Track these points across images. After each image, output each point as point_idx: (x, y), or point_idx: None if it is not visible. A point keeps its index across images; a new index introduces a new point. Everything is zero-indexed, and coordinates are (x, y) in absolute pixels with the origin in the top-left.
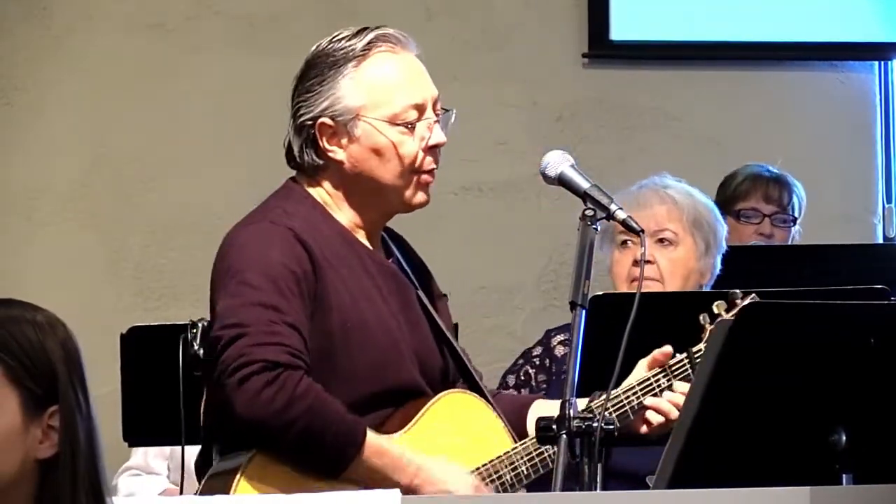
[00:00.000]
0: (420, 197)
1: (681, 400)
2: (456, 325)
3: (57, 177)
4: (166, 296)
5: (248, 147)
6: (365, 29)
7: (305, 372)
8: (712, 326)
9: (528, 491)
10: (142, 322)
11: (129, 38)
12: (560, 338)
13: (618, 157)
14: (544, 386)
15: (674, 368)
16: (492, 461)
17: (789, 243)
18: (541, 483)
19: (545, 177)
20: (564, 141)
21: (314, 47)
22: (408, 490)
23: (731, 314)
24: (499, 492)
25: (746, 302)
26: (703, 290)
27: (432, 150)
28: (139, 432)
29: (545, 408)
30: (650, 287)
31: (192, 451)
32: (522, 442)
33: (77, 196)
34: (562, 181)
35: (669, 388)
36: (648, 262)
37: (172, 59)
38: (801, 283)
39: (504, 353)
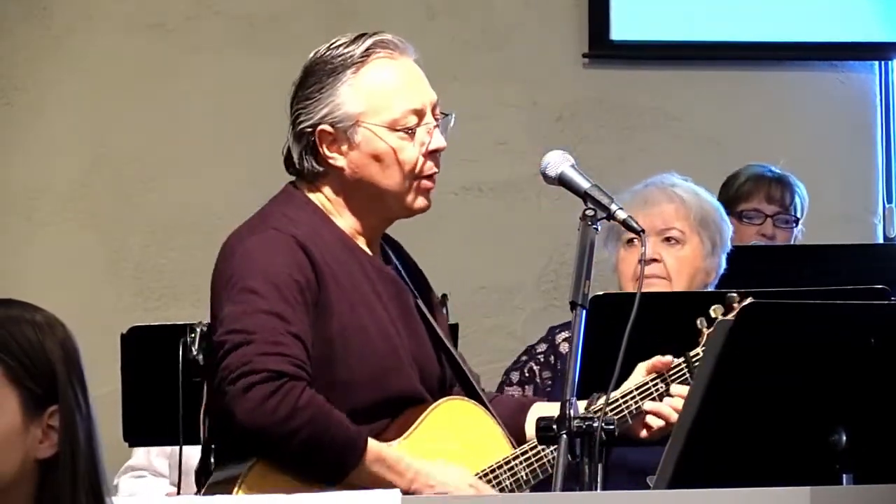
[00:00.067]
0: (421, 202)
1: (680, 404)
2: (456, 325)
3: (57, 177)
4: (166, 296)
5: (248, 147)
6: (363, 35)
7: (308, 383)
8: (711, 328)
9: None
10: (142, 322)
11: (129, 38)
12: (564, 335)
13: (618, 157)
14: (549, 383)
15: (671, 372)
16: (491, 467)
17: (792, 244)
18: (541, 483)
19: (545, 177)
20: (564, 141)
21: (312, 54)
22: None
23: (728, 316)
24: None
25: (742, 305)
26: (708, 289)
27: (432, 154)
28: (139, 432)
29: (543, 411)
30: (657, 285)
31: (191, 451)
32: (521, 448)
33: (77, 196)
34: (562, 181)
35: (667, 391)
36: (655, 260)
37: (172, 59)
38: (801, 283)
39: (504, 353)
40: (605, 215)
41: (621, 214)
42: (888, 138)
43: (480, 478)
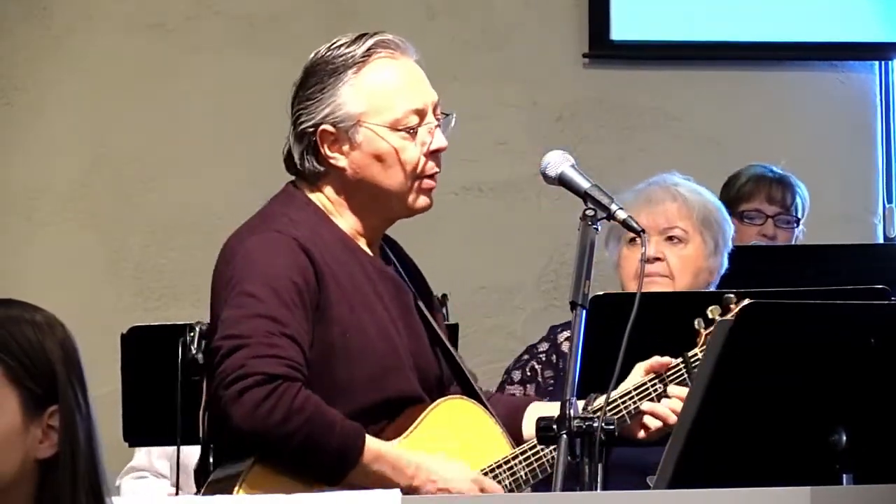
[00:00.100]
0: (423, 201)
1: (677, 405)
2: (456, 325)
3: (57, 177)
4: (166, 296)
5: (248, 147)
6: (364, 35)
7: (303, 384)
8: (710, 328)
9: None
10: (142, 322)
11: (129, 38)
12: (566, 334)
13: (618, 157)
14: (551, 382)
15: (669, 373)
16: (490, 466)
17: (792, 244)
18: (541, 483)
19: (545, 177)
20: (564, 141)
21: (313, 55)
22: (408, 490)
23: (727, 316)
24: None
25: (742, 305)
26: (710, 288)
27: (434, 154)
28: (139, 432)
29: (541, 411)
30: (661, 284)
31: (191, 451)
32: (521, 447)
33: (77, 196)
34: (562, 181)
35: (665, 392)
36: (658, 259)
37: (172, 59)
38: (801, 283)
39: (504, 353)
40: (605, 215)
41: (621, 214)
42: (888, 138)
43: None
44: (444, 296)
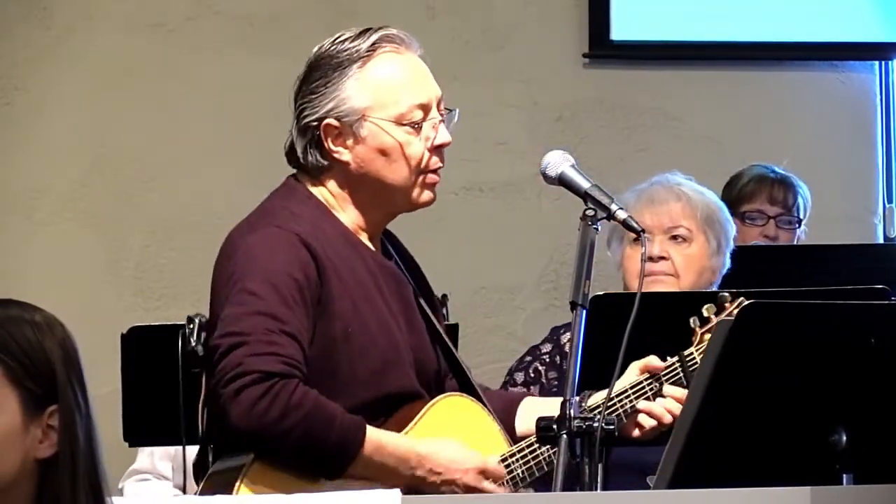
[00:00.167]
0: (426, 196)
1: (672, 404)
2: (456, 325)
3: (57, 177)
4: (166, 296)
5: (248, 147)
6: (368, 30)
7: (301, 380)
8: (706, 327)
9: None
10: (142, 322)
11: (129, 38)
12: (569, 335)
13: (618, 157)
14: (555, 383)
15: (665, 372)
16: None
17: (792, 244)
18: (541, 483)
19: (545, 177)
20: (564, 141)
21: (316, 48)
22: (412, 480)
23: (721, 316)
24: None
25: (736, 304)
26: (713, 288)
27: (438, 149)
28: (139, 432)
29: (535, 406)
30: (665, 283)
31: (194, 451)
32: (518, 445)
33: (77, 196)
34: (562, 181)
35: (660, 391)
36: (663, 258)
37: (172, 59)
38: (801, 283)
39: (504, 353)
40: (605, 215)
41: (621, 214)
42: (888, 138)
43: None
44: (445, 296)
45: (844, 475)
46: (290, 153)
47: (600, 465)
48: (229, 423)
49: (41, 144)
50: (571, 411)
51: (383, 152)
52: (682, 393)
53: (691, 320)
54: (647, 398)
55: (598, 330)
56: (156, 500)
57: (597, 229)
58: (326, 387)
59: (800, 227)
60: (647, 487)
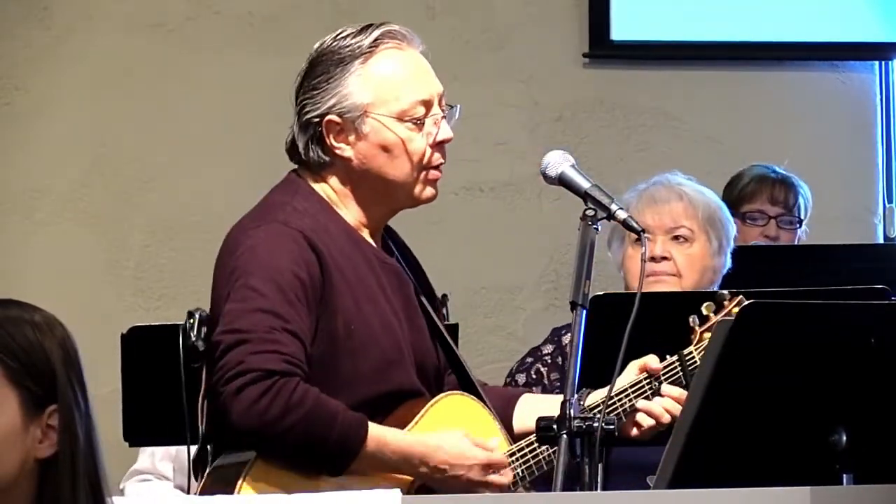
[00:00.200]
0: (428, 192)
1: (671, 404)
2: (456, 325)
3: (57, 177)
4: (166, 296)
5: (248, 147)
6: (370, 25)
7: (302, 379)
8: (705, 325)
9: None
10: (142, 322)
11: (129, 38)
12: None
13: (618, 157)
14: (558, 384)
15: (665, 371)
16: None
17: (792, 244)
18: (541, 482)
19: (546, 177)
20: (565, 141)
21: (318, 44)
22: (416, 476)
23: (720, 315)
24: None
25: (735, 303)
26: (714, 287)
27: (440, 145)
28: (140, 432)
29: (532, 403)
30: (668, 283)
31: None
32: (517, 444)
33: (77, 196)
34: (562, 181)
35: (658, 390)
36: (665, 258)
37: (172, 59)
38: (801, 283)
39: (504, 353)
40: (605, 215)
41: (621, 214)
42: (888, 138)
43: None
44: (445, 296)
45: (844, 475)
46: (292, 149)
47: (600, 465)
48: (230, 422)
49: (41, 144)
50: (571, 411)
51: (385, 148)
52: (679, 392)
53: (690, 319)
54: (647, 398)
55: (598, 330)
56: (156, 500)
57: (597, 229)
58: (328, 384)
59: (800, 227)
60: (647, 487)
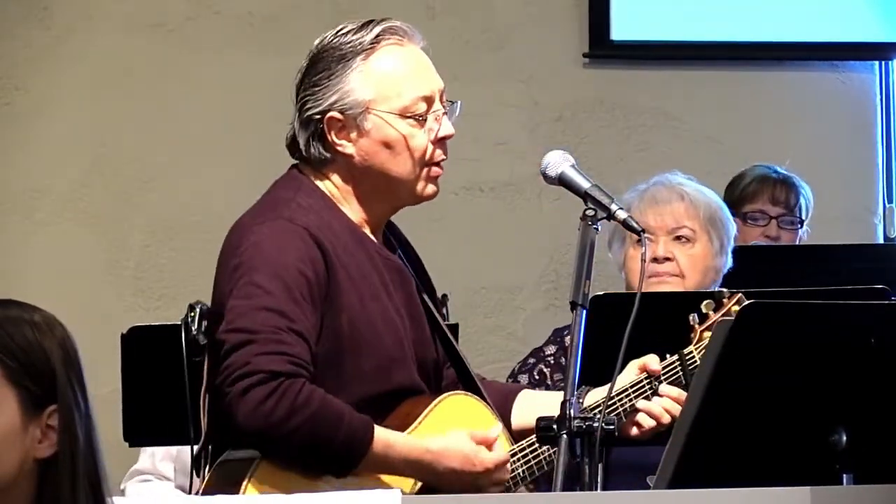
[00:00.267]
0: (430, 189)
1: (670, 404)
2: (456, 325)
3: (57, 177)
4: (166, 296)
5: (248, 147)
6: (370, 21)
7: (308, 380)
8: (705, 324)
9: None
10: (142, 322)
11: (129, 38)
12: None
13: (618, 157)
14: (561, 385)
15: (665, 371)
16: None
17: (792, 244)
18: (542, 482)
19: (546, 177)
20: (565, 141)
21: (318, 40)
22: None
23: (719, 313)
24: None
25: (734, 301)
26: (715, 287)
27: (441, 141)
28: (140, 432)
29: (531, 399)
30: (671, 283)
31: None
32: (519, 445)
33: (77, 196)
34: (562, 181)
35: (658, 390)
36: (668, 258)
37: (172, 59)
38: (801, 283)
39: (504, 353)
40: (605, 215)
41: (621, 214)
42: (888, 138)
43: None
44: (445, 296)
45: (844, 475)
46: (292, 145)
47: (600, 465)
48: (236, 423)
49: (41, 144)
50: (571, 411)
51: (387, 145)
52: (678, 393)
53: (690, 317)
54: (647, 398)
55: (598, 330)
56: (156, 500)
57: (597, 229)
58: (331, 382)
59: (802, 227)
60: (647, 487)
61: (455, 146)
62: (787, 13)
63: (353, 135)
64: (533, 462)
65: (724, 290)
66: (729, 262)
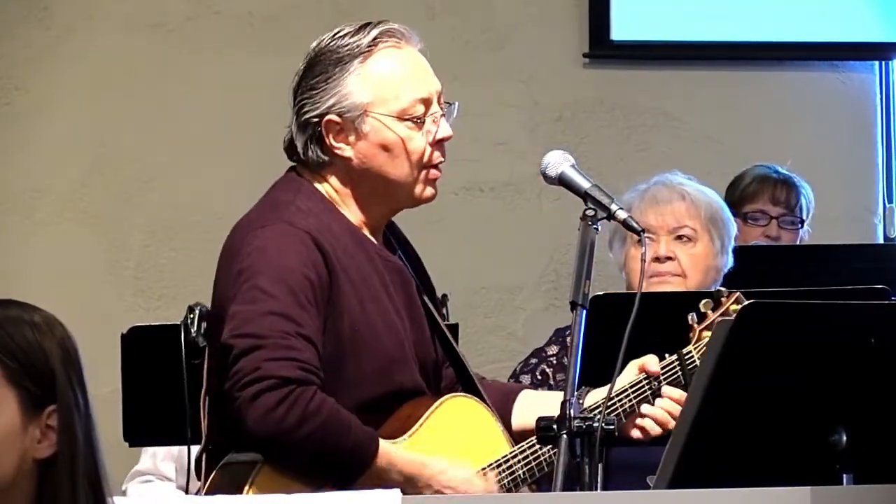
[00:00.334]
0: (429, 191)
1: (671, 405)
2: (456, 325)
3: (57, 177)
4: (166, 296)
5: (248, 147)
6: (367, 24)
7: (319, 387)
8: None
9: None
10: (142, 322)
11: (129, 38)
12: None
13: (618, 157)
14: (563, 385)
15: (664, 371)
16: (490, 465)
17: (792, 244)
18: (542, 482)
19: (546, 177)
20: (565, 141)
21: (315, 43)
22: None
23: (718, 312)
24: None
25: (732, 300)
26: (716, 287)
27: (439, 144)
28: (140, 432)
29: (532, 399)
30: (673, 283)
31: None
32: (519, 446)
33: (77, 196)
34: (562, 181)
35: (658, 390)
36: (670, 258)
37: (172, 59)
38: (801, 283)
39: (504, 353)
40: (605, 215)
41: (621, 214)
42: (888, 138)
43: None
44: (445, 296)
45: (844, 475)
46: (290, 148)
47: (600, 465)
48: (245, 428)
49: (41, 144)
50: (571, 411)
51: (385, 148)
52: (680, 394)
53: (689, 317)
54: (647, 398)
55: (598, 330)
56: (157, 500)
57: (597, 229)
58: (332, 384)
59: (802, 227)
60: (647, 487)
61: (455, 146)
62: (787, 13)
63: (352, 138)
64: (533, 463)
65: (723, 289)
66: (730, 261)
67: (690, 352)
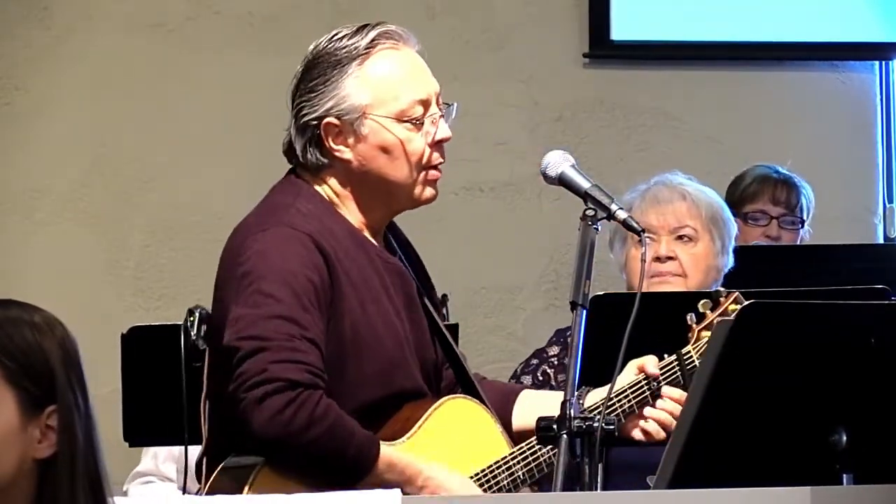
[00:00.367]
0: (428, 193)
1: (672, 406)
2: (456, 325)
3: (57, 177)
4: (166, 296)
5: (248, 147)
6: (365, 26)
7: (324, 391)
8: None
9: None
10: (142, 322)
11: (129, 38)
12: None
13: (618, 157)
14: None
15: (663, 371)
16: (490, 467)
17: (792, 244)
18: (542, 482)
19: (546, 177)
20: (565, 141)
21: (313, 46)
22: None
23: (716, 312)
24: None
25: (731, 300)
26: (716, 286)
27: (438, 145)
28: (140, 432)
29: (532, 399)
30: (674, 283)
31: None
32: (519, 447)
33: (77, 196)
34: (562, 181)
35: (658, 390)
36: (671, 258)
37: (172, 59)
38: (801, 283)
39: (504, 353)
40: (605, 215)
41: (621, 214)
42: (888, 138)
43: (479, 477)
44: (445, 296)
45: (844, 475)
46: (289, 150)
47: (600, 465)
48: (250, 430)
49: (41, 144)
50: (571, 411)
51: (385, 150)
52: (680, 394)
53: (688, 317)
54: (647, 398)
55: (598, 330)
56: (157, 501)
57: (597, 229)
58: (334, 386)
59: (803, 227)
60: (647, 487)
61: (455, 146)
62: (787, 13)
63: (351, 140)
64: (533, 464)
65: (722, 289)
66: (730, 261)
67: (689, 352)
